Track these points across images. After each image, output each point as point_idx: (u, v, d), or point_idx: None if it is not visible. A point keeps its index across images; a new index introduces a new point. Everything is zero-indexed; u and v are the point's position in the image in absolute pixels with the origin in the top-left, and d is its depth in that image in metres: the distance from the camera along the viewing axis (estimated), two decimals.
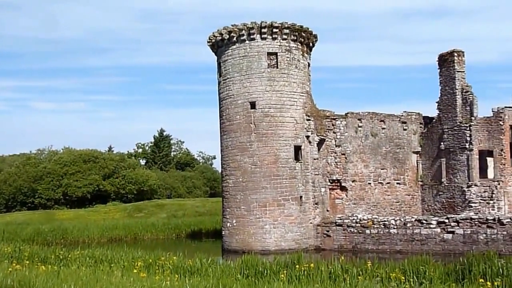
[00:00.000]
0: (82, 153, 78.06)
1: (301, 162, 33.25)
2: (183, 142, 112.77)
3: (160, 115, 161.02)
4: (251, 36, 32.89)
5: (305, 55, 34.41)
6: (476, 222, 28.51)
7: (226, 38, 33.48)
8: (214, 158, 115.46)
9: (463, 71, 36.34)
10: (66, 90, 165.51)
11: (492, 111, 35.89)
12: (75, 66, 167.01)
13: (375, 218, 32.12)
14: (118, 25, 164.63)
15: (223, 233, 34.67)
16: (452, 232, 28.97)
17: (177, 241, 42.90)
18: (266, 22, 32.69)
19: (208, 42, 35.07)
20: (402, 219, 30.99)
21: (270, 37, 32.92)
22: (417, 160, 38.90)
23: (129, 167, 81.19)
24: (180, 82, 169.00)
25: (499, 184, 35.13)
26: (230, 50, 33.71)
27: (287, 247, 31.54)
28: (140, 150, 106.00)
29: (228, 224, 33.76)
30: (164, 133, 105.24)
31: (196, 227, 46.26)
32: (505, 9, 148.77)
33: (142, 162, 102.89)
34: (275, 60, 33.10)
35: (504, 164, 35.50)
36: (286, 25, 32.97)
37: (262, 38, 32.92)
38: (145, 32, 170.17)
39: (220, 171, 36.83)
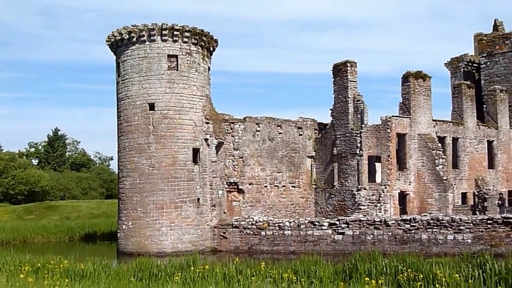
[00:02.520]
0: None
1: (199, 164, 33.42)
2: (79, 142, 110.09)
3: (55, 114, 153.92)
4: (152, 37, 32.63)
5: (206, 59, 34.67)
6: (364, 224, 30.18)
7: (126, 38, 32.96)
8: (111, 159, 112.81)
9: (355, 81, 38.22)
10: None
11: (381, 120, 38.06)
12: None
13: (271, 220, 32.97)
14: (12, 18, 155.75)
15: (118, 235, 34.04)
16: (342, 233, 30.41)
17: (69, 244, 41.57)
18: (167, 24, 32.56)
19: (107, 41, 34.34)
20: (296, 221, 32.08)
21: (171, 39, 32.83)
22: (311, 164, 40.34)
23: (19, 167, 77.48)
24: (77, 81, 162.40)
25: (386, 188, 37.30)
26: (129, 51, 33.22)
27: (184, 249, 31.54)
28: (33, 149, 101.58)
29: (124, 226, 33.21)
30: (59, 133, 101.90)
31: (91, 229, 45.08)
32: (396, 23, 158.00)
33: (35, 162, 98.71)
34: (176, 62, 33.05)
35: (390, 169, 37.77)
36: (187, 28, 33.04)
37: (163, 40, 32.76)
38: (41, 27, 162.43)
39: (117, 172, 36.12)
